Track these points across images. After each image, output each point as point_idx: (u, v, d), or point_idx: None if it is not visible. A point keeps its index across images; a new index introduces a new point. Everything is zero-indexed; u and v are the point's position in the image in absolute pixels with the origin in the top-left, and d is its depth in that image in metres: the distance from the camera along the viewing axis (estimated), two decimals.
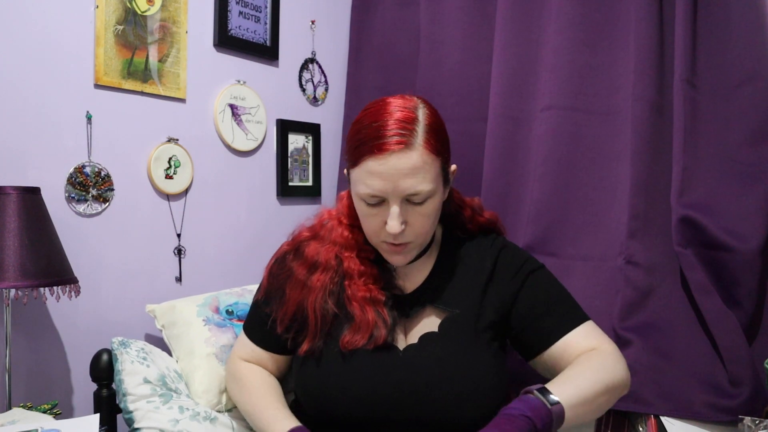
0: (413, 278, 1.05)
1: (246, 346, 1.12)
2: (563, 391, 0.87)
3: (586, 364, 0.94)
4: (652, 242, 1.32)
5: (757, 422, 0.98)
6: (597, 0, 1.42)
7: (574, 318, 1.02)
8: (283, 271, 1.06)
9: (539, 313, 1.03)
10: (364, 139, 0.91)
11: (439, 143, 0.93)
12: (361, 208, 0.97)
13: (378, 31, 1.92)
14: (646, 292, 1.30)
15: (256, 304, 1.12)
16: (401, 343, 0.99)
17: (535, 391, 0.86)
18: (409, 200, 0.92)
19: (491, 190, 1.55)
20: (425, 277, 1.05)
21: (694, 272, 1.22)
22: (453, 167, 1.01)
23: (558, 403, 0.84)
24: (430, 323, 1.01)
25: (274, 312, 1.05)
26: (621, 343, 1.28)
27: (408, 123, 0.90)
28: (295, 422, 0.95)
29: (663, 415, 1.18)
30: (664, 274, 1.31)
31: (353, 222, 1.04)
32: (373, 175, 0.90)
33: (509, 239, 1.16)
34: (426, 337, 0.99)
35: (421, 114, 0.93)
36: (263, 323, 1.07)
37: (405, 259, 1.00)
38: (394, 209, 0.91)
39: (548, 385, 0.88)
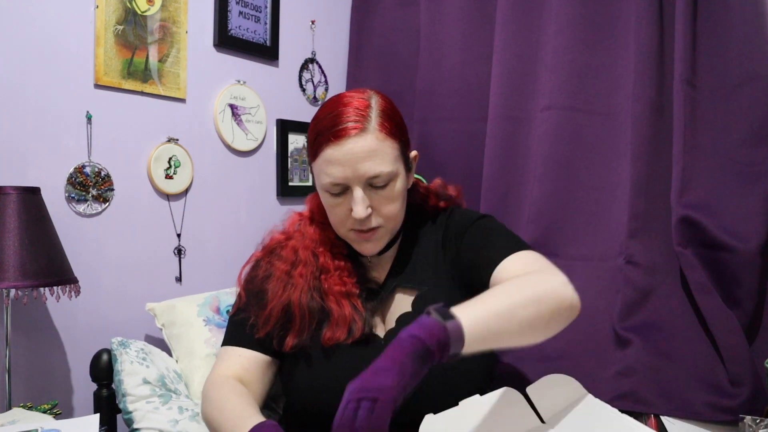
0: (385, 268, 1.06)
1: (230, 357, 1.02)
2: (465, 307, 0.75)
3: (506, 283, 0.84)
4: (652, 242, 1.32)
5: (757, 422, 0.98)
6: (597, 0, 1.43)
7: (514, 247, 0.94)
8: (260, 273, 1.05)
9: (479, 249, 0.97)
10: (321, 130, 0.94)
11: (394, 127, 0.95)
12: (326, 199, 0.97)
13: (378, 31, 1.92)
14: (646, 292, 1.30)
15: (232, 317, 1.05)
16: (381, 332, 1.00)
17: (432, 310, 0.74)
18: (371, 184, 0.93)
19: (491, 190, 1.55)
20: (391, 264, 1.06)
21: (694, 272, 1.22)
22: (413, 153, 1.02)
23: (453, 318, 0.72)
24: (403, 305, 1.02)
25: (254, 317, 1.01)
26: (621, 343, 1.28)
27: (361, 109, 0.92)
28: (260, 419, 0.88)
29: (663, 415, 1.18)
30: (664, 274, 1.31)
31: (323, 220, 1.04)
32: (332, 162, 0.91)
33: None
34: (402, 318, 0.99)
35: (374, 101, 0.95)
36: (244, 328, 1.01)
37: (375, 247, 1.00)
38: (358, 193, 0.92)
39: (454, 307, 0.76)
